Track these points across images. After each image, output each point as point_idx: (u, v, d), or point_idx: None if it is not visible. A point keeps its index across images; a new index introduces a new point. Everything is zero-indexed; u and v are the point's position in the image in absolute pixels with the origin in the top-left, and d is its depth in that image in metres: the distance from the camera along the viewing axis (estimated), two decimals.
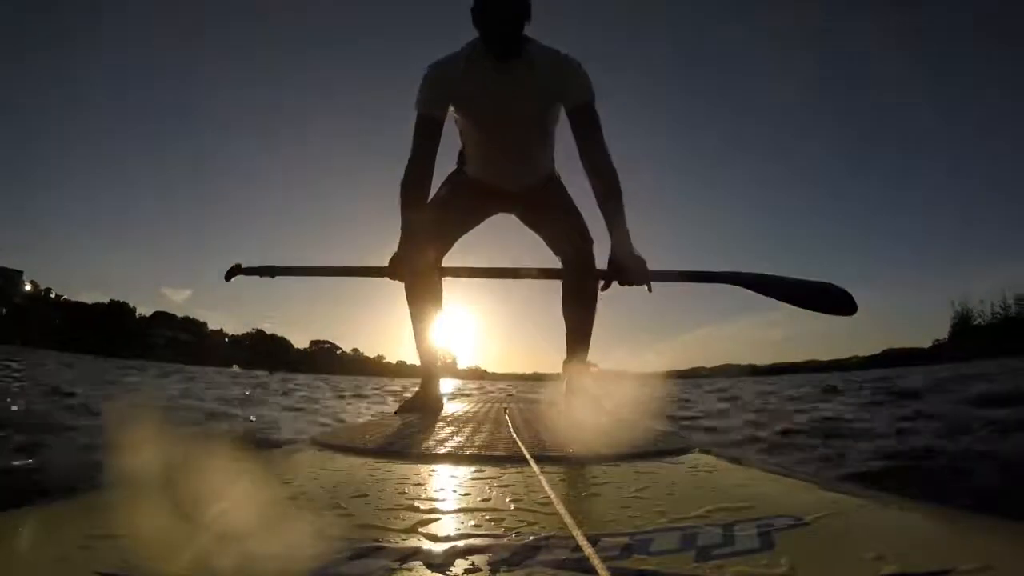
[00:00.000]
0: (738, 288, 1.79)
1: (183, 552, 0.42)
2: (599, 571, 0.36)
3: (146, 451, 0.71)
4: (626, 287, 1.68)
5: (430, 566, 0.40)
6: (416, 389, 1.98)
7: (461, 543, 0.46)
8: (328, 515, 0.55)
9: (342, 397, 8.46)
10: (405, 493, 0.65)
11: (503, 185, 1.91)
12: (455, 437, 1.13)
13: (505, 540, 0.47)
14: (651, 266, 1.65)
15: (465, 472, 0.79)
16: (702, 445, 1.08)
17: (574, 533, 0.44)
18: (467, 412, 1.85)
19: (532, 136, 1.82)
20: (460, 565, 0.41)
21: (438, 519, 0.54)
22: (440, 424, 1.39)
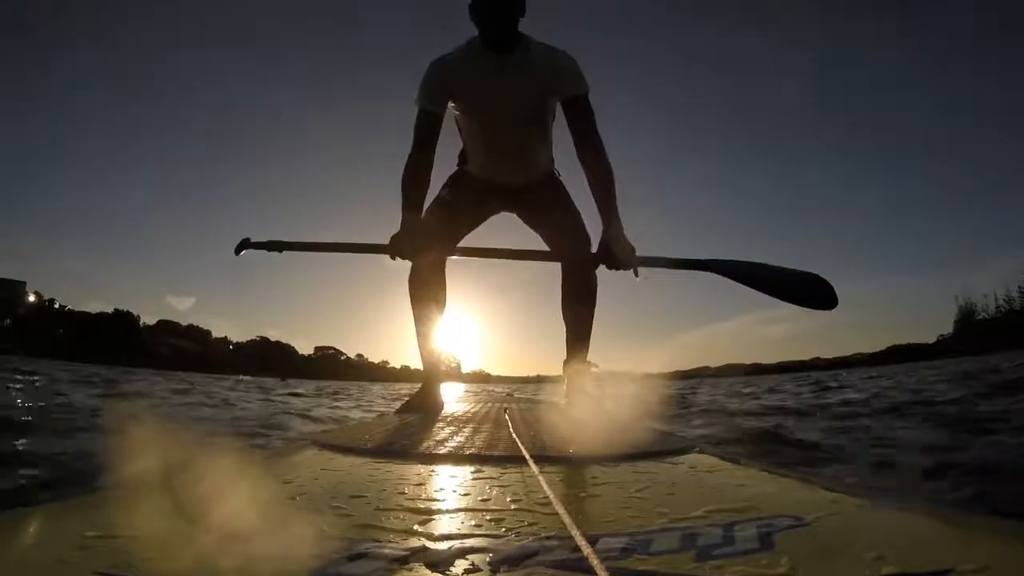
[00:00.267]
0: (738, 284, 1.81)
1: (183, 552, 0.42)
2: (599, 571, 0.36)
3: (146, 452, 0.71)
4: (614, 271, 1.73)
5: (430, 566, 0.40)
6: (416, 389, 1.98)
7: (461, 543, 0.46)
8: (328, 515, 0.55)
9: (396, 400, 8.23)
10: (405, 493, 0.65)
11: (503, 179, 1.91)
12: (455, 437, 1.13)
13: (505, 540, 0.47)
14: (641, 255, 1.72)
15: (465, 472, 0.79)
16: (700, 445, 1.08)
17: (574, 533, 0.44)
18: (467, 412, 1.85)
19: (530, 129, 1.83)
20: (460, 565, 0.41)
21: (438, 519, 0.54)
22: (440, 424, 1.39)
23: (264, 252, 1.92)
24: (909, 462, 2.03)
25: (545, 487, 0.60)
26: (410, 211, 1.74)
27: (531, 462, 0.75)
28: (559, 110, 1.82)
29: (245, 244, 1.92)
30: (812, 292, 1.78)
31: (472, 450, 0.95)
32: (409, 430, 1.27)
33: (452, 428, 1.30)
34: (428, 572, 0.39)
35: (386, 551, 0.43)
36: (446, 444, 1.02)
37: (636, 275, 1.72)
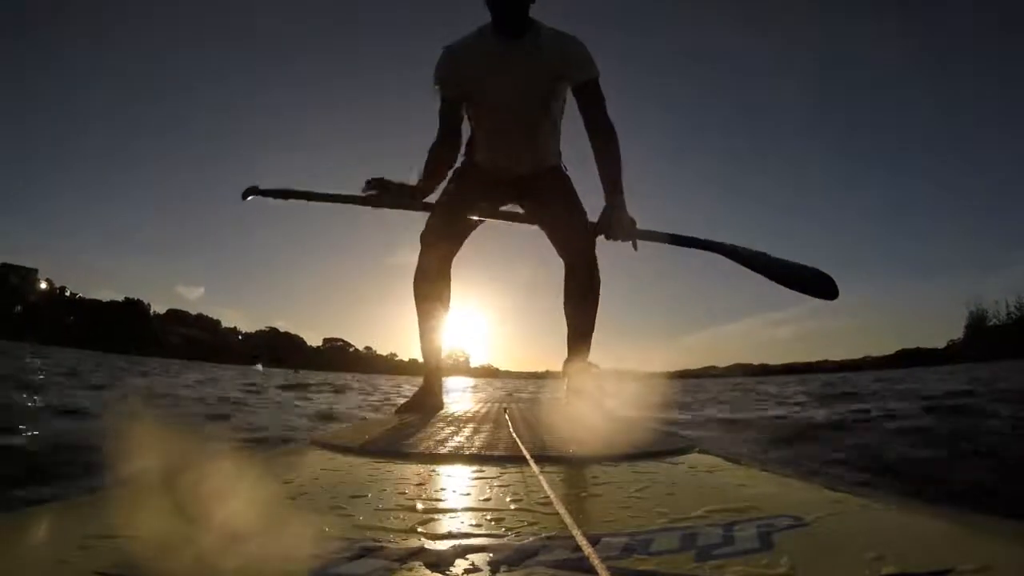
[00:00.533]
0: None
1: (183, 552, 0.42)
2: (599, 571, 0.36)
3: (147, 451, 0.71)
4: (611, 242, 1.73)
5: (430, 566, 0.40)
6: (417, 389, 1.98)
7: (461, 543, 0.46)
8: (328, 515, 0.55)
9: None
10: (405, 493, 0.65)
11: (510, 168, 1.90)
12: (455, 437, 1.13)
13: (505, 540, 0.47)
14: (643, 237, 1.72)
15: (465, 472, 0.79)
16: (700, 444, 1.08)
17: (574, 533, 0.44)
18: (467, 412, 1.85)
19: (538, 116, 1.83)
20: (460, 565, 0.41)
21: (438, 519, 0.54)
22: (440, 424, 1.39)
23: (271, 199, 1.89)
24: (910, 463, 2.03)
25: (545, 487, 0.60)
26: (413, 183, 1.83)
27: (531, 462, 0.75)
28: (568, 103, 1.85)
29: (253, 190, 1.89)
30: (814, 281, 1.77)
31: (472, 450, 0.95)
32: (409, 430, 1.27)
33: (452, 428, 1.30)
34: (428, 572, 0.39)
35: (386, 551, 0.43)
36: (446, 444, 1.02)
37: (635, 248, 1.71)
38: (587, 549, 0.40)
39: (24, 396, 4.50)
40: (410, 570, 0.40)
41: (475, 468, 0.81)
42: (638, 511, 0.56)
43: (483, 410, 1.96)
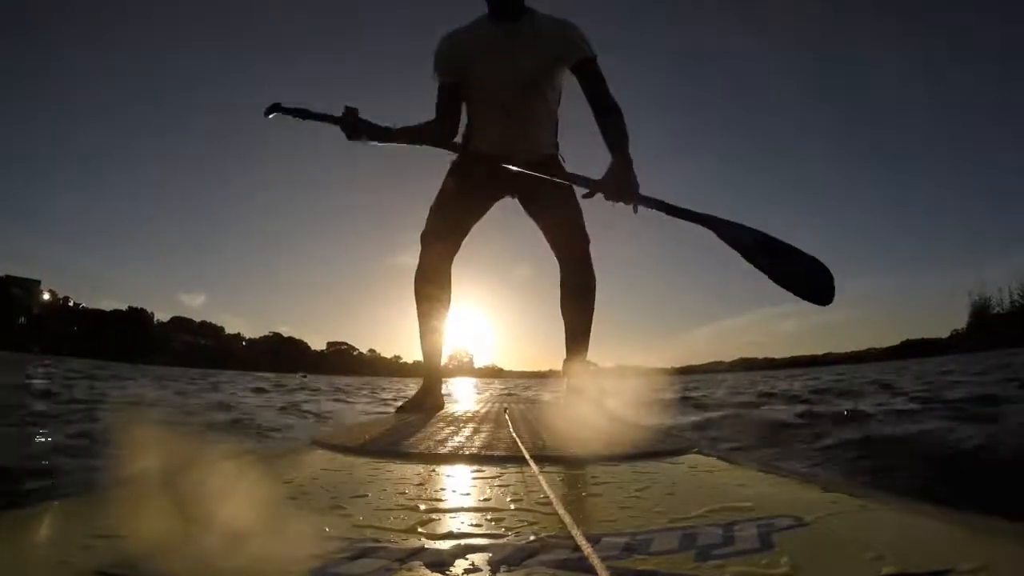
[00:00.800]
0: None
1: (183, 552, 0.42)
2: (599, 571, 0.36)
3: (147, 452, 0.71)
4: (611, 204, 1.67)
5: (430, 566, 0.40)
6: (417, 389, 1.98)
7: (461, 543, 0.46)
8: (328, 515, 0.55)
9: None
10: (405, 493, 0.65)
11: (507, 153, 1.88)
12: (455, 437, 1.13)
13: (505, 540, 0.47)
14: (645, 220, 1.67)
15: (465, 472, 0.79)
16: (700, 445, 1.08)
17: (574, 533, 0.44)
18: (467, 412, 1.85)
19: (534, 99, 1.83)
20: (460, 565, 0.41)
21: (438, 519, 0.54)
22: (440, 424, 1.39)
23: (290, 117, 1.82)
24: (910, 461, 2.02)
25: (545, 487, 0.60)
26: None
27: (531, 462, 0.75)
28: (566, 102, 1.86)
29: (276, 108, 1.83)
30: (812, 280, 1.68)
31: (472, 450, 0.95)
32: (409, 430, 1.27)
33: (452, 428, 1.30)
34: (428, 572, 0.39)
35: (386, 551, 0.43)
36: (446, 444, 1.02)
37: (635, 211, 1.66)
38: (587, 549, 0.40)
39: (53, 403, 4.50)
40: (410, 570, 0.40)
41: (475, 468, 0.81)
42: (638, 511, 0.56)
43: (483, 410, 1.96)
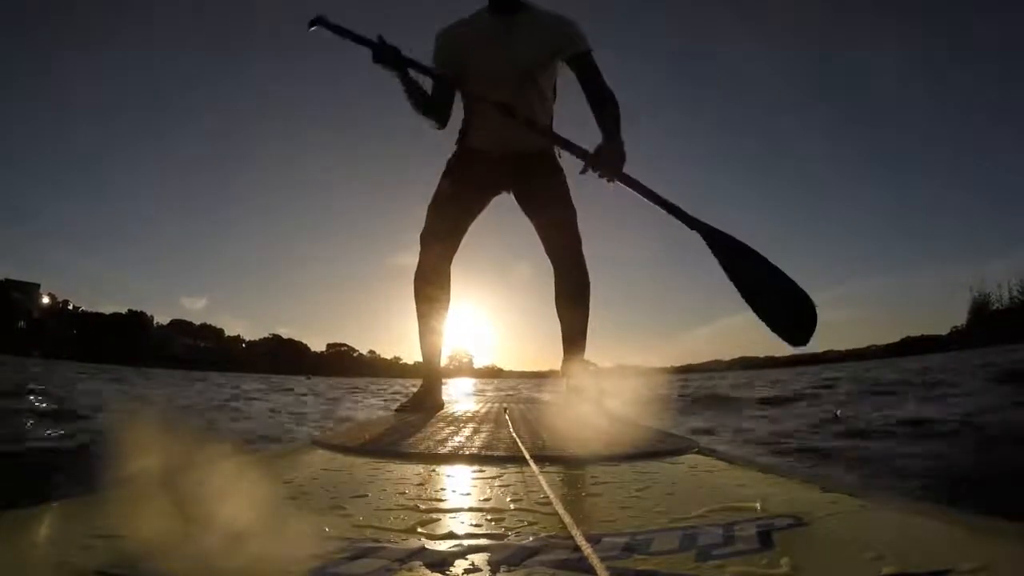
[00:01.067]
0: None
1: (183, 552, 0.42)
2: (599, 571, 0.36)
3: (147, 452, 0.71)
4: (601, 180, 1.65)
5: (430, 566, 0.40)
6: (417, 388, 1.98)
7: (461, 543, 0.46)
8: (328, 515, 0.55)
9: None
10: (405, 493, 0.65)
11: (503, 146, 1.89)
12: (455, 437, 1.13)
13: (505, 540, 0.47)
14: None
15: (465, 472, 0.79)
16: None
17: (574, 533, 0.44)
18: (467, 412, 1.85)
19: (530, 90, 1.84)
20: (460, 565, 0.41)
21: (438, 519, 0.54)
22: (440, 424, 1.39)
23: (330, 33, 1.81)
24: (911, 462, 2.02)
25: (545, 487, 0.60)
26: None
27: (531, 462, 0.75)
28: (563, 98, 1.88)
29: (319, 21, 1.82)
30: (791, 314, 1.55)
31: (472, 450, 0.95)
32: (409, 430, 1.27)
33: (452, 428, 1.30)
34: (428, 572, 0.39)
35: (386, 551, 0.43)
36: (446, 444, 1.02)
37: (610, 183, 1.63)
38: (587, 549, 0.40)
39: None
40: (410, 570, 0.40)
41: (475, 468, 0.81)
42: (638, 511, 0.56)
43: (483, 410, 1.96)
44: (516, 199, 1.96)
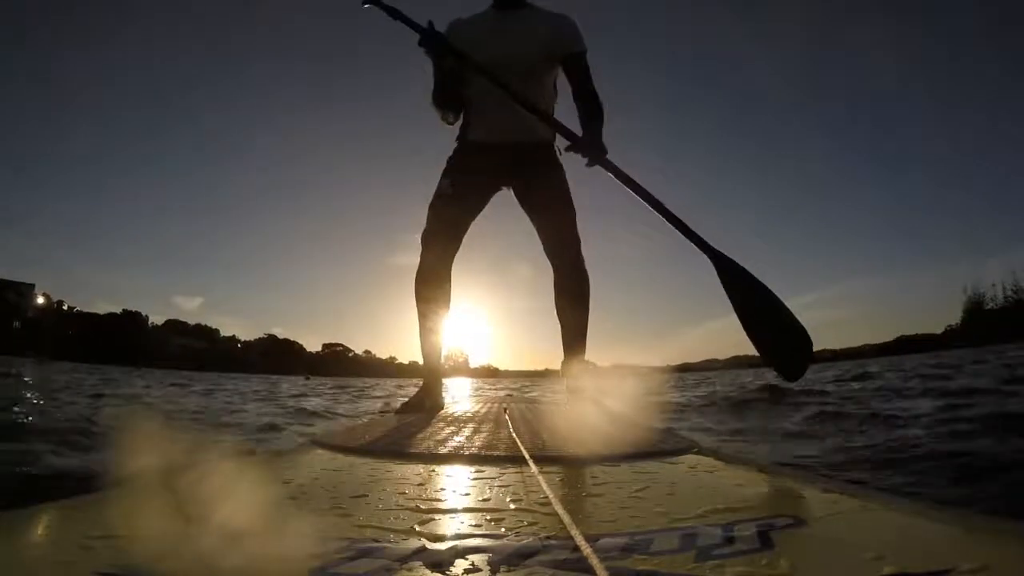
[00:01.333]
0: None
1: (183, 552, 0.42)
2: (599, 571, 0.36)
3: (147, 452, 0.71)
4: (579, 158, 1.72)
5: (430, 566, 0.40)
6: (417, 388, 1.98)
7: (461, 543, 0.46)
8: (328, 515, 0.55)
9: None
10: (405, 493, 0.65)
11: (503, 136, 1.90)
12: (455, 437, 1.13)
13: (505, 540, 0.47)
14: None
15: (465, 472, 0.79)
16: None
17: (574, 533, 0.44)
18: (467, 412, 1.85)
19: (532, 87, 1.84)
20: (460, 565, 0.41)
21: (438, 519, 0.54)
22: (440, 424, 1.39)
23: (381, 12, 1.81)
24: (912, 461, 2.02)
25: (545, 487, 0.60)
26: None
27: (531, 462, 0.75)
28: (559, 94, 1.90)
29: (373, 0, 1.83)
30: (788, 344, 1.51)
31: (472, 450, 0.95)
32: (409, 430, 1.27)
33: (452, 428, 1.30)
34: (428, 572, 0.39)
35: (386, 551, 0.43)
36: (446, 444, 1.02)
37: (588, 165, 1.70)
38: (586, 549, 0.40)
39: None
40: (410, 570, 0.40)
41: (475, 468, 0.81)
42: (638, 511, 0.56)
43: (483, 410, 1.96)
44: (516, 195, 1.96)
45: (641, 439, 1.07)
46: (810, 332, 1.52)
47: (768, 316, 1.52)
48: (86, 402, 4.89)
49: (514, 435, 1.05)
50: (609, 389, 1.72)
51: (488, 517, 0.54)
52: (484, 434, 1.17)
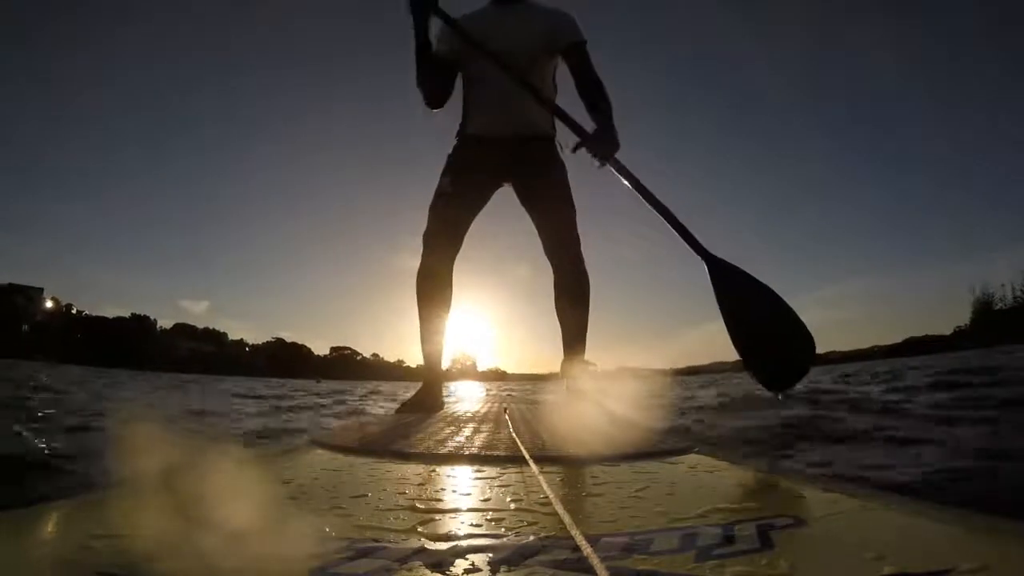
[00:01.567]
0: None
1: (183, 552, 0.42)
2: (599, 571, 0.36)
3: (147, 452, 0.71)
4: (589, 157, 1.69)
5: (430, 566, 0.40)
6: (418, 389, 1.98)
7: (461, 543, 0.46)
8: (328, 515, 0.55)
9: None
10: (405, 493, 0.65)
11: (503, 128, 1.90)
12: (455, 437, 1.13)
13: (505, 540, 0.47)
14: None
15: (465, 472, 0.79)
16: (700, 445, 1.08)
17: (574, 533, 0.44)
18: (467, 412, 1.85)
19: (530, 79, 1.83)
20: (460, 565, 0.41)
21: (438, 519, 0.54)
22: (440, 424, 1.39)
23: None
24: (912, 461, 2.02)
25: (545, 487, 0.60)
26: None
27: (531, 462, 0.75)
28: (560, 91, 1.91)
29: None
30: (780, 354, 1.46)
31: (472, 450, 0.95)
32: (409, 430, 1.27)
33: (452, 428, 1.30)
34: (428, 572, 0.39)
35: (386, 551, 0.43)
36: (446, 444, 1.02)
37: (599, 165, 1.67)
38: (586, 549, 0.40)
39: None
40: (410, 570, 0.40)
41: (475, 468, 0.81)
42: (638, 511, 0.56)
43: (483, 410, 1.97)
44: (516, 192, 1.96)
45: (641, 439, 1.07)
46: (814, 333, 1.45)
47: (761, 326, 1.48)
48: (97, 405, 4.90)
49: (514, 435, 1.05)
50: (609, 389, 1.72)
51: (488, 517, 0.54)
52: (484, 434, 1.17)
